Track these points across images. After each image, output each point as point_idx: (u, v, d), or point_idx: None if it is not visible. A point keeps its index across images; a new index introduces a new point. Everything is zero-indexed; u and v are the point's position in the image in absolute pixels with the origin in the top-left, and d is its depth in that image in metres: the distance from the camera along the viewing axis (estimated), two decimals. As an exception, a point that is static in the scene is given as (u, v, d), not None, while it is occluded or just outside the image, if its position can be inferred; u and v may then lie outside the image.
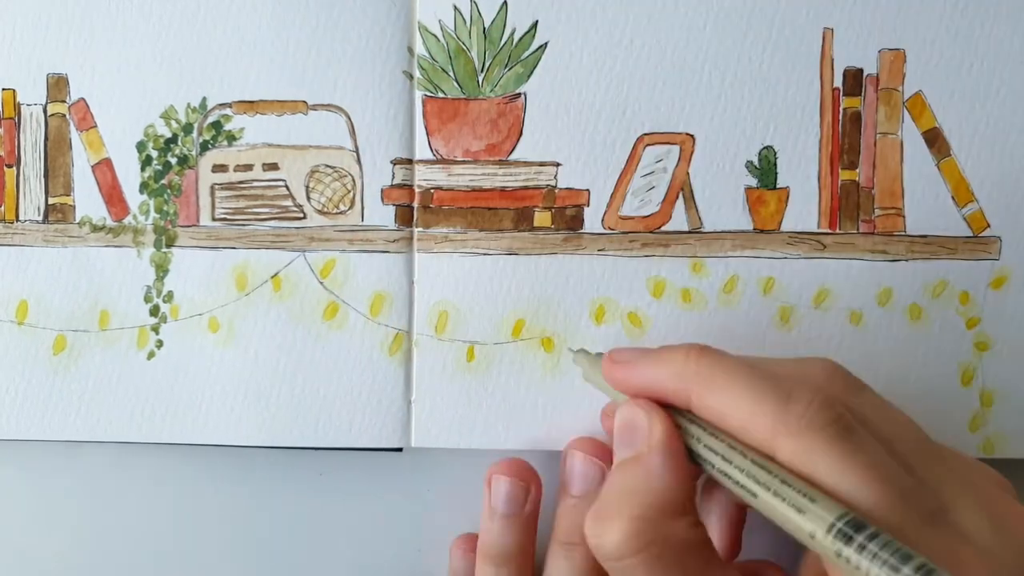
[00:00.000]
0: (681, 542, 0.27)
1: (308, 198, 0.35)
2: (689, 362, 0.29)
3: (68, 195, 0.36)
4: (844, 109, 0.36)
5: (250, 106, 0.35)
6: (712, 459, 0.28)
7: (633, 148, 0.36)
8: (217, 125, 0.35)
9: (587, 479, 0.33)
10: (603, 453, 0.34)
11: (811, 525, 0.25)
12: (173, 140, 0.35)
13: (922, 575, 0.23)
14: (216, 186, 0.36)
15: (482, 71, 0.35)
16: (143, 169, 0.36)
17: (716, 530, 0.33)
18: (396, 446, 0.36)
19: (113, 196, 0.36)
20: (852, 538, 0.24)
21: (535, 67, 0.35)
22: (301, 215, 0.36)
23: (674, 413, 0.29)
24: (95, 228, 0.36)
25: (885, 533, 0.24)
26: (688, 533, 0.27)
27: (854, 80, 0.36)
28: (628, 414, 0.29)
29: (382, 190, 0.35)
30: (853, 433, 0.26)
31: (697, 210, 0.36)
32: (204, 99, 0.35)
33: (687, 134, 0.35)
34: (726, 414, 0.28)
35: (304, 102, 0.35)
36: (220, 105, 0.35)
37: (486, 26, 0.35)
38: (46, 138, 0.36)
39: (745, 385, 0.27)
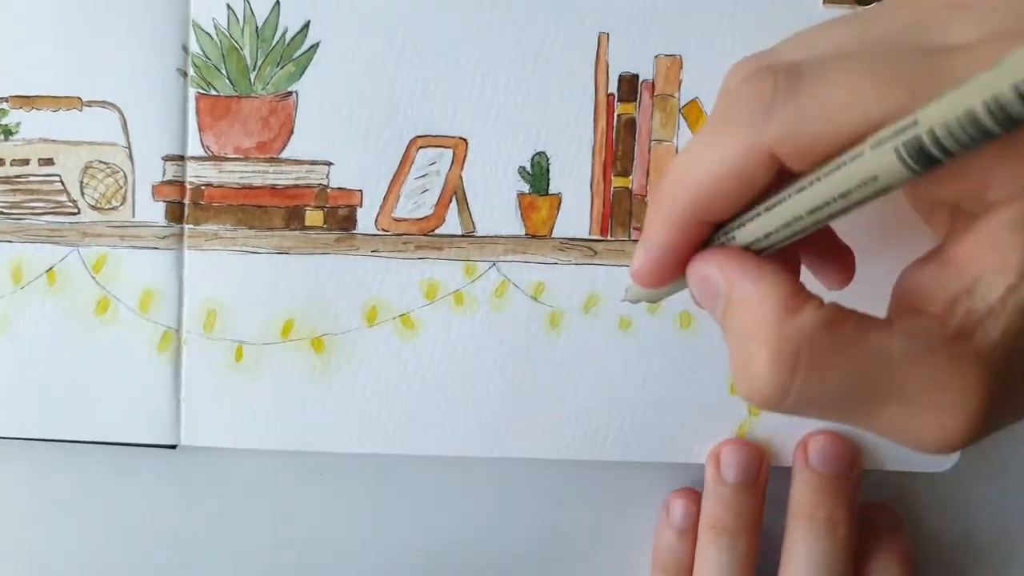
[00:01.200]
0: (826, 321, 0.23)
1: (82, 193, 0.36)
2: (755, 104, 0.23)
3: None
4: (618, 115, 0.35)
5: (27, 101, 0.36)
6: (770, 222, 0.24)
7: (406, 150, 0.35)
8: (-6, 119, 0.36)
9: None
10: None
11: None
12: (-47, 134, 0.36)
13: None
14: (-7, 179, 0.36)
15: (254, 69, 0.35)
16: (-74, 161, 0.36)
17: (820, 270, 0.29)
18: (169, 443, 0.36)
19: None
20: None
21: (307, 66, 0.35)
22: (75, 210, 0.36)
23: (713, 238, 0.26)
24: None
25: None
26: (820, 314, 0.23)
27: (629, 86, 0.35)
28: (696, 272, 0.25)
29: (153, 186, 0.36)
30: None
31: (471, 214, 0.35)
32: (-19, 93, 0.36)
33: (460, 138, 0.35)
34: (829, 120, 0.22)
35: (79, 98, 0.35)
36: (-3, 99, 0.36)
37: (259, 25, 0.35)
38: None
39: (850, 69, 0.22)
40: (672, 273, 0.26)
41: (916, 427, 0.23)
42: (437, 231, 0.36)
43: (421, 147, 0.35)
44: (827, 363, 0.23)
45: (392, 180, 0.35)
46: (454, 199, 0.35)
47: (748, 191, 0.24)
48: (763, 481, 0.35)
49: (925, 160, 0.20)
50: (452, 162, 0.35)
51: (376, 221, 0.36)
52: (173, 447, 0.36)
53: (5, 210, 0.36)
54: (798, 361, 0.22)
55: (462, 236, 0.35)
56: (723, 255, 0.25)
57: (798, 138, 0.22)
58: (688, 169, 0.25)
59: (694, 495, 0.36)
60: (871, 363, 0.22)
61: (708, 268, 0.25)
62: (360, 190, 0.35)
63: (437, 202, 0.35)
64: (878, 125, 0.21)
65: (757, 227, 0.24)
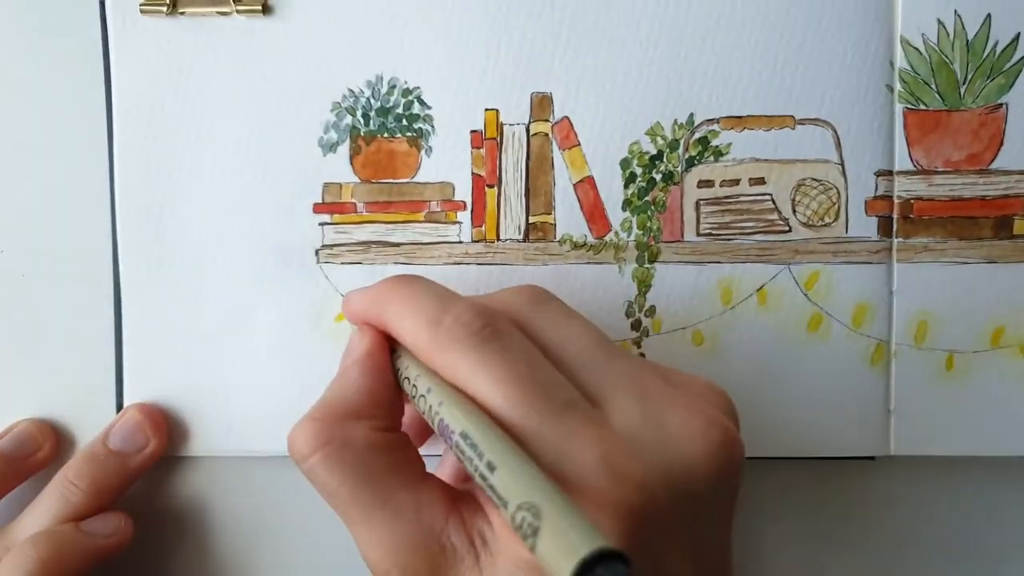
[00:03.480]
0: (359, 443, 0.27)
1: (794, 211, 0.36)
2: (381, 287, 0.30)
3: (549, 214, 0.36)
4: None
5: (738, 121, 0.36)
6: (407, 386, 0.29)
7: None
8: (704, 141, 0.36)
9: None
10: None
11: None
12: (658, 157, 0.36)
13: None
14: (701, 201, 0.36)
15: (964, 83, 0.36)
16: (626, 186, 0.36)
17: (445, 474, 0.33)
18: (870, 455, 0.36)
19: (595, 214, 0.36)
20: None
21: (1017, 77, 0.36)
22: (786, 228, 0.36)
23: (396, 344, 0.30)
24: (576, 246, 0.36)
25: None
26: (371, 435, 0.28)
27: None
28: (350, 338, 0.31)
29: (865, 201, 0.36)
30: (496, 340, 0.27)
31: None
32: (691, 115, 0.36)
33: None
34: (399, 334, 0.29)
35: (792, 116, 0.36)
36: (707, 121, 0.36)
37: (969, 39, 0.35)
38: (527, 157, 0.36)
39: (412, 305, 0.29)
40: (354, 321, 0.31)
41: None
42: None
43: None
44: (344, 468, 0.27)
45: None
46: None
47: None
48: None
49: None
50: None
51: (1075, 227, 0.36)
52: (872, 459, 0.37)
53: (713, 231, 0.36)
54: (323, 449, 0.27)
55: None
56: (378, 338, 0.30)
57: None
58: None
59: None
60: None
61: (354, 338, 0.31)
62: (1061, 197, 0.36)
63: None
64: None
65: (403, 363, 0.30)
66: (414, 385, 0.28)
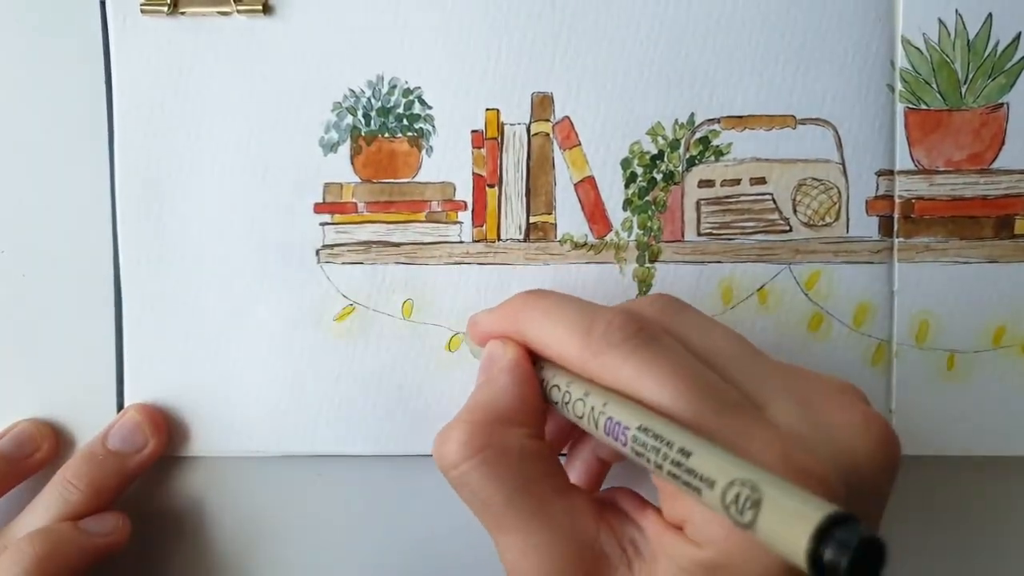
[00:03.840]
0: (515, 449, 0.27)
1: (794, 211, 0.36)
2: (516, 305, 0.30)
3: (550, 214, 0.36)
4: None
5: (739, 121, 0.36)
6: (556, 394, 0.29)
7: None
8: (705, 141, 0.36)
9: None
10: None
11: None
12: (659, 156, 0.36)
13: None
14: (702, 201, 0.36)
15: (965, 82, 0.36)
16: (627, 186, 0.36)
17: (577, 479, 0.34)
18: (872, 455, 0.36)
19: (596, 213, 0.36)
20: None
21: (1018, 77, 0.36)
22: (787, 228, 0.36)
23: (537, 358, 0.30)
24: (576, 245, 0.36)
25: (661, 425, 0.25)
26: (524, 442, 0.28)
27: None
28: (488, 349, 0.31)
29: (866, 201, 0.36)
30: (653, 343, 0.27)
31: None
32: (692, 115, 0.36)
33: None
34: (546, 345, 0.29)
35: (793, 116, 0.36)
36: (708, 121, 0.36)
37: (970, 38, 0.35)
38: (528, 157, 0.36)
39: (557, 316, 0.29)
40: (483, 343, 0.31)
41: None
42: None
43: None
44: (499, 475, 0.27)
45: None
46: None
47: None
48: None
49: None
50: None
51: (1076, 226, 0.36)
52: (873, 458, 0.37)
53: (714, 230, 0.36)
54: (480, 455, 0.27)
55: None
56: (522, 350, 0.30)
57: None
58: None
59: None
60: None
61: (495, 349, 0.30)
62: (1062, 197, 0.36)
63: None
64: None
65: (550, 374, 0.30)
66: (567, 392, 0.28)
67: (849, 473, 0.26)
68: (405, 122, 0.36)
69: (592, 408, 0.27)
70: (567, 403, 0.28)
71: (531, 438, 0.28)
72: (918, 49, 0.36)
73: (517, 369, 0.29)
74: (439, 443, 0.28)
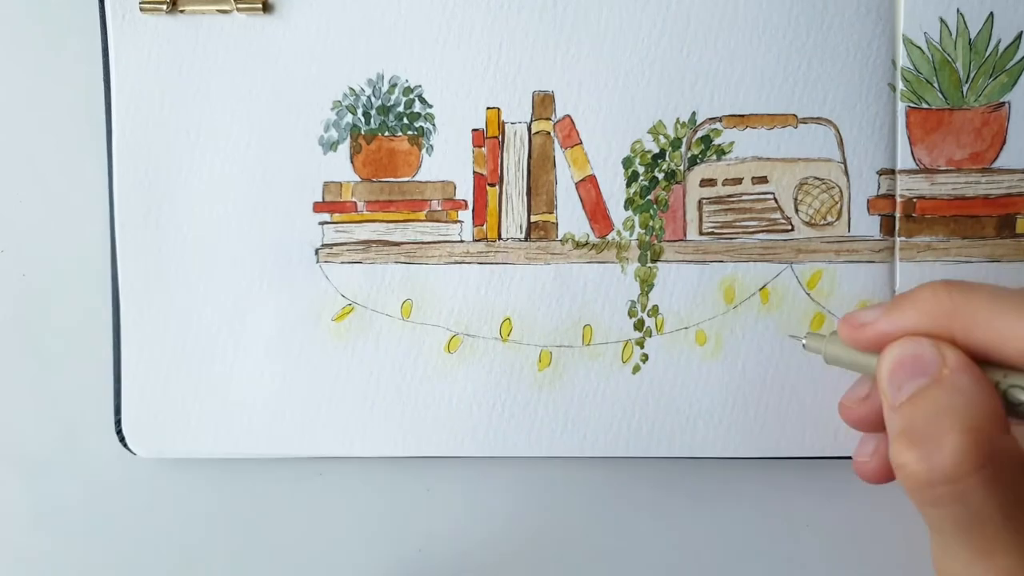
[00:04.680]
0: (1017, 458, 0.25)
1: (796, 210, 0.36)
2: (941, 299, 0.27)
3: (551, 213, 0.36)
4: None
5: (740, 120, 0.36)
6: (1019, 394, 0.26)
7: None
8: (706, 139, 0.36)
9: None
10: None
11: None
12: (661, 155, 0.36)
13: None
14: (704, 200, 0.36)
15: (967, 81, 0.36)
16: (628, 185, 0.36)
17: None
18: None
19: (597, 212, 0.36)
20: None
21: (1019, 76, 0.36)
22: (789, 227, 0.36)
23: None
24: (578, 245, 0.36)
25: None
26: (1018, 450, 0.25)
27: None
28: (908, 348, 0.27)
29: (868, 200, 0.36)
30: None
31: None
32: (694, 114, 0.36)
33: None
34: (1005, 341, 0.26)
35: (794, 115, 0.36)
36: (710, 119, 0.36)
37: (971, 37, 0.35)
38: (529, 156, 0.36)
39: (1015, 310, 0.26)
40: (876, 346, 0.28)
41: None
42: None
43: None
44: (1006, 489, 0.24)
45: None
46: None
47: None
48: None
49: None
50: None
51: (1077, 226, 0.36)
52: (875, 458, 0.36)
53: (716, 230, 0.36)
54: (988, 466, 0.24)
55: None
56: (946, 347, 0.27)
57: None
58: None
59: None
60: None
61: (925, 349, 0.27)
62: (1064, 196, 0.36)
63: None
64: None
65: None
66: None
67: None
68: (405, 121, 0.36)
69: None
70: None
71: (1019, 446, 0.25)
72: (919, 48, 0.36)
73: (973, 369, 0.26)
74: (923, 455, 0.25)
